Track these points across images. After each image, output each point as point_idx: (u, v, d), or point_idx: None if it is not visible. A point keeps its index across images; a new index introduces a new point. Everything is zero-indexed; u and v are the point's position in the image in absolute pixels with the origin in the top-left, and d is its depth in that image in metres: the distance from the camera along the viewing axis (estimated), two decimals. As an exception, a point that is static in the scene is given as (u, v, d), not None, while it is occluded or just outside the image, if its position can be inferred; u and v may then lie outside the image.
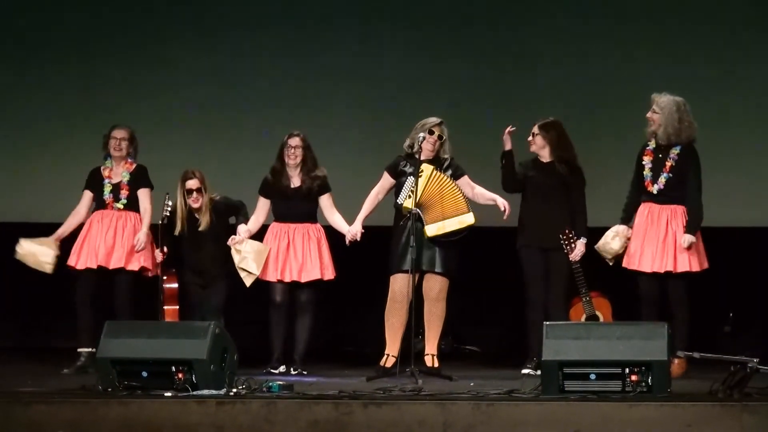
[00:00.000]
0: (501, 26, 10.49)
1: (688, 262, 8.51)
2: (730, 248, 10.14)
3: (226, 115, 10.58)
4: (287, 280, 8.94)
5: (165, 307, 8.97)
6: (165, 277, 9.01)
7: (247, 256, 8.88)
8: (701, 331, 9.61)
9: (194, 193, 9.01)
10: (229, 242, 8.90)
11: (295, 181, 9.02)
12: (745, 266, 10.17)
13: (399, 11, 10.56)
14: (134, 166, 9.14)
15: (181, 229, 9.04)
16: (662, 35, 10.36)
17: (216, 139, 10.19)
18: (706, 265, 8.64)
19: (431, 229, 8.54)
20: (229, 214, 9.16)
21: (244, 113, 10.55)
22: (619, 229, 8.68)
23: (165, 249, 8.96)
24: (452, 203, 8.59)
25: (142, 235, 8.95)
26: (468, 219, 8.59)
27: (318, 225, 9.06)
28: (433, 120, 8.69)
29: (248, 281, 8.91)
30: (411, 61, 10.54)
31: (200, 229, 9.02)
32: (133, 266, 8.98)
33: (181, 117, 10.46)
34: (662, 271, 8.49)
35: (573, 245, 8.74)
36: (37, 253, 8.98)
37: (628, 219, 8.70)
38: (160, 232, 8.95)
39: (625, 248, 8.62)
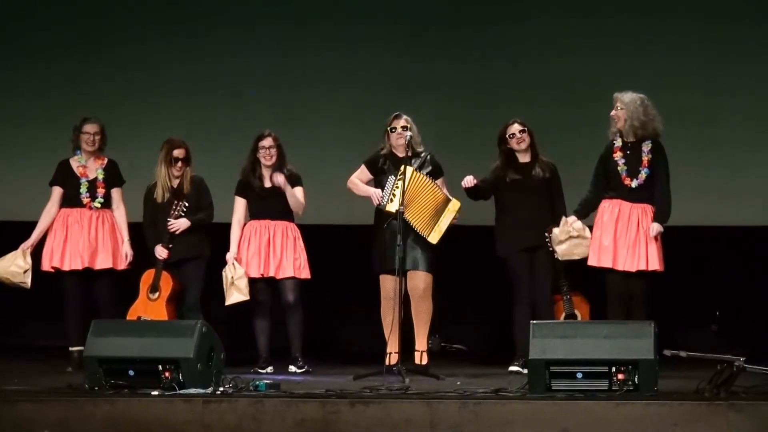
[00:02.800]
0: (490, 28, 10.50)
1: (658, 261, 8.44)
2: (716, 247, 10.17)
3: (213, 116, 10.57)
4: (267, 275, 8.92)
5: (166, 305, 8.91)
6: (167, 274, 8.97)
7: (237, 283, 8.83)
8: (688, 329, 9.65)
9: (180, 162, 8.98)
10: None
11: (269, 180, 8.98)
12: (732, 265, 10.18)
13: (389, 14, 10.57)
14: (106, 161, 9.13)
15: (162, 198, 8.99)
16: (647, 32, 10.38)
17: (203, 139, 10.14)
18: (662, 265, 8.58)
19: (434, 237, 8.54)
20: (200, 191, 9.06)
21: (234, 116, 10.54)
22: (570, 220, 8.61)
23: (170, 246, 8.95)
24: (433, 200, 8.56)
25: (127, 248, 9.03)
26: (454, 206, 8.58)
27: (294, 224, 9.04)
28: (392, 117, 8.68)
29: (228, 300, 8.85)
30: (401, 63, 10.53)
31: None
32: (120, 265, 9.03)
33: (169, 118, 10.42)
34: (634, 269, 8.44)
35: (558, 243, 8.76)
36: (12, 272, 8.91)
37: (583, 215, 8.63)
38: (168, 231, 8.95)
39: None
